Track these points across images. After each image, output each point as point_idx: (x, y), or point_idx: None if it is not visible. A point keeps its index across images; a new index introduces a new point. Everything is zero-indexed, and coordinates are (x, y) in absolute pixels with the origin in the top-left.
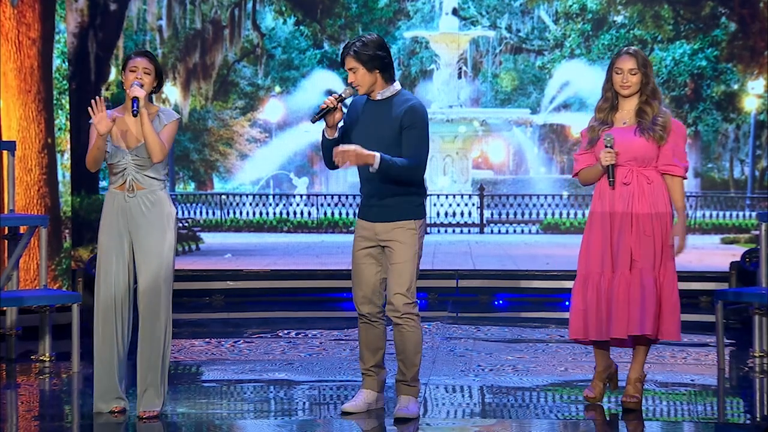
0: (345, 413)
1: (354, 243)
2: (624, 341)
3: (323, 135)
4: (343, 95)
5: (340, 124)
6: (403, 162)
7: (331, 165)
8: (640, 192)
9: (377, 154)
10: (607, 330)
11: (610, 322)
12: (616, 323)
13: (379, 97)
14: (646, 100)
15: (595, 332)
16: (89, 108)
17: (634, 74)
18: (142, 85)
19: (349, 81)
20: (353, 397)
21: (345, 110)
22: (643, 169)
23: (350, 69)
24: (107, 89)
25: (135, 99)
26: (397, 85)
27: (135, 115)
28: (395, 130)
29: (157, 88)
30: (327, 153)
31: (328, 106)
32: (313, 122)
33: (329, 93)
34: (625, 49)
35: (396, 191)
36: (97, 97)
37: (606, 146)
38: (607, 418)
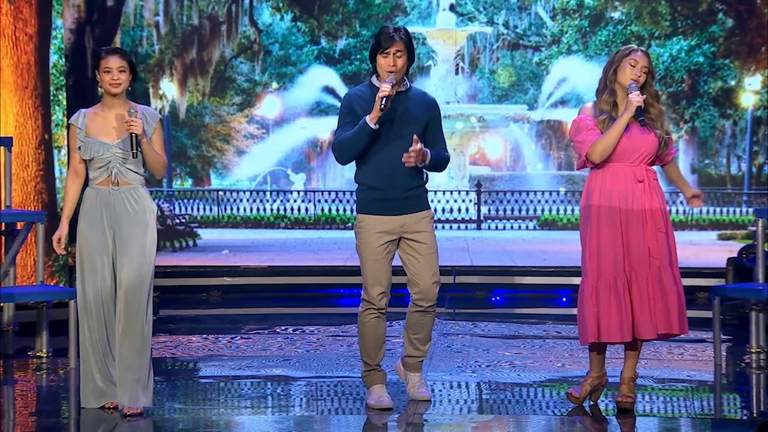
0: (382, 409)
1: None
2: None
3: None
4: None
5: None
6: None
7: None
8: (651, 188)
9: None
10: (633, 331)
11: (637, 323)
12: (644, 324)
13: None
14: (650, 101)
15: (617, 334)
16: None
17: (646, 73)
18: (136, 111)
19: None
20: (372, 396)
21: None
22: (649, 166)
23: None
24: None
25: (134, 136)
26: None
27: (135, 157)
28: None
29: (133, 81)
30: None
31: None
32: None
33: (327, 89)
34: (637, 47)
35: None
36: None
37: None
38: (603, 416)
